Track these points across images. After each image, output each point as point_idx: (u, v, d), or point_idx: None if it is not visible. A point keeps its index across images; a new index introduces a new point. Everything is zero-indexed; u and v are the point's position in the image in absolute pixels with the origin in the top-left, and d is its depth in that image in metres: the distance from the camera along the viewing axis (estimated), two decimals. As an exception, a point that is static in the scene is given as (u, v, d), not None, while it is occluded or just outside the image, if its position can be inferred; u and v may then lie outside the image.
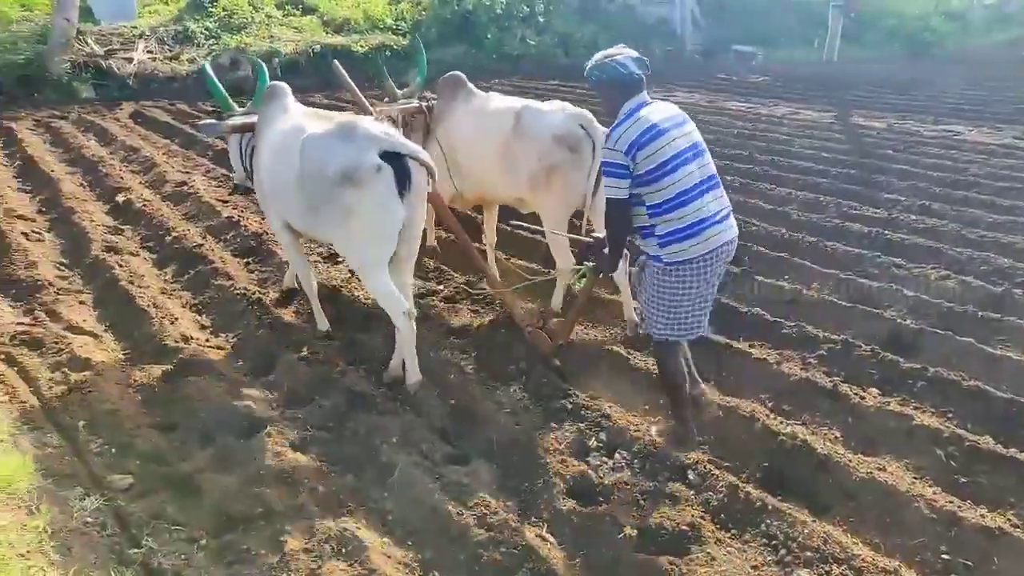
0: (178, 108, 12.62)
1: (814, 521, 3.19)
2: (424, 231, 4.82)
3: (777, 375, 4.32)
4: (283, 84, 4.81)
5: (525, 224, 4.90)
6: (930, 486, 3.46)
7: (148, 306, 5.12)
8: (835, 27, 19.04)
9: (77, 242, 6.36)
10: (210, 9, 15.70)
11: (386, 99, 5.50)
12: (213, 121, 4.89)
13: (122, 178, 8.12)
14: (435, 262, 5.94)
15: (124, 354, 4.68)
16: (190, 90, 13.65)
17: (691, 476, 3.52)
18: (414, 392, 4.20)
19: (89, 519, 3.20)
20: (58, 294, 5.35)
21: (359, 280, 4.46)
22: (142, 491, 3.41)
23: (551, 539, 3.22)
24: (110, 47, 13.99)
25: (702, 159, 3.45)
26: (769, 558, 3.07)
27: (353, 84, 4.91)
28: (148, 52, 14.26)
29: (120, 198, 7.46)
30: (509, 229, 5.71)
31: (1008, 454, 3.54)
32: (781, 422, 3.87)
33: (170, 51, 14.41)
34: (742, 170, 8.55)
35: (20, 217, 6.87)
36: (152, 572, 2.94)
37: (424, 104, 5.38)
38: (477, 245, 5.30)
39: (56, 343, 4.67)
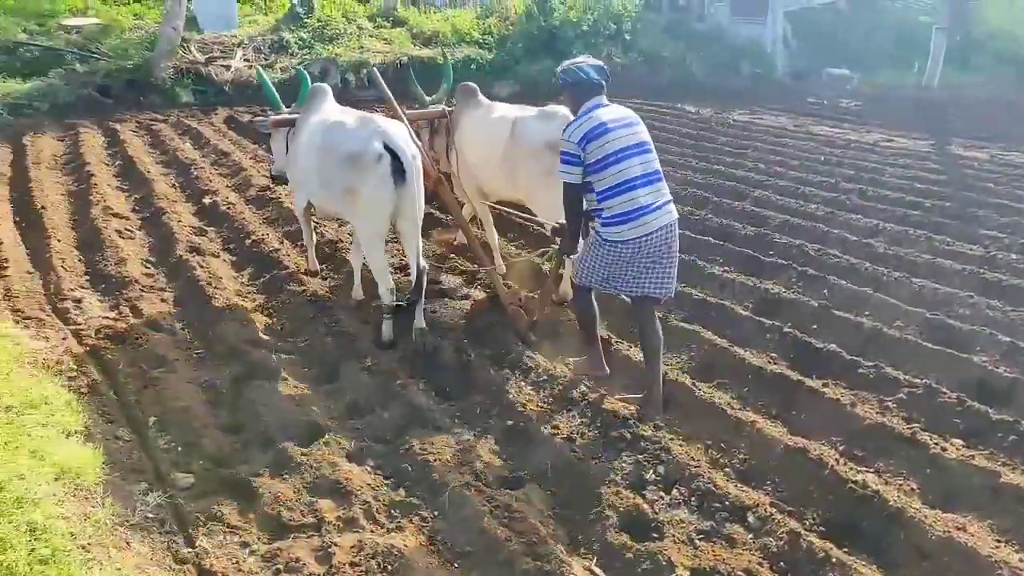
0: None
1: (881, 579, 3.01)
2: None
3: (851, 417, 4.10)
4: (324, 86, 5.59)
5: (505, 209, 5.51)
6: (1016, 551, 3.20)
7: (223, 307, 5.29)
8: (938, 50, 18.18)
9: (164, 241, 6.64)
10: (305, 20, 16.24)
11: (416, 105, 6.12)
12: (263, 117, 5.83)
13: (211, 181, 8.45)
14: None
15: (197, 353, 4.84)
16: (282, 98, 14.07)
17: (751, 519, 3.38)
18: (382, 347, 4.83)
19: (150, 514, 3.29)
20: (142, 291, 5.59)
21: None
22: (202, 491, 3.50)
23: (600, 573, 3.13)
24: (210, 55, 14.61)
25: (645, 156, 4.01)
26: (829, 614, 2.91)
27: (388, 90, 5.33)
28: (245, 60, 14.81)
29: (207, 200, 7.75)
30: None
31: (1104, 522, 3.26)
32: (852, 468, 3.67)
33: (265, 59, 14.92)
34: (826, 198, 8.24)
35: (116, 215, 7.21)
36: (203, 573, 3.00)
37: (447, 110, 5.99)
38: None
39: (137, 338, 4.86)
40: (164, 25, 14.00)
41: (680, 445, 3.92)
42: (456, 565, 3.14)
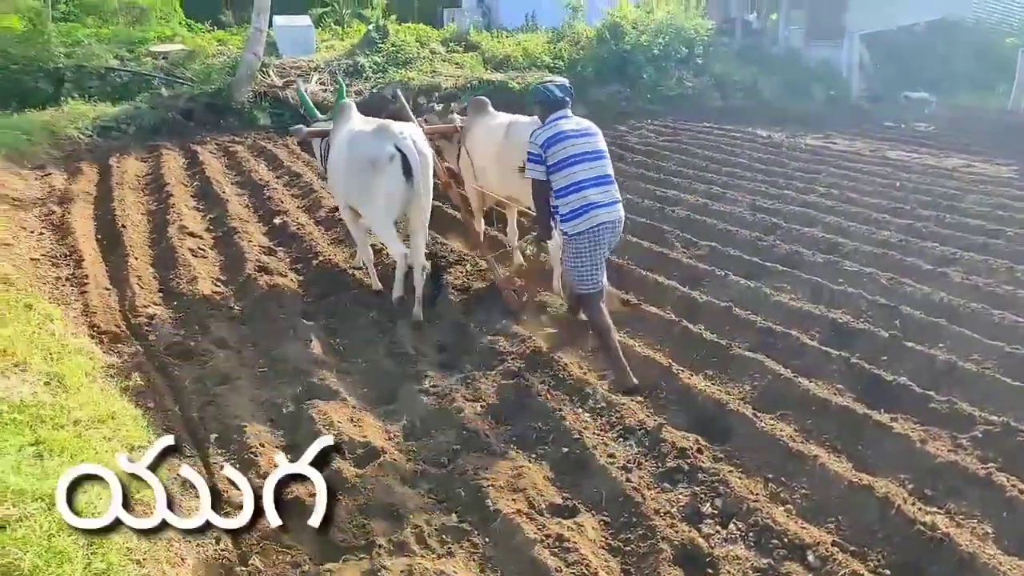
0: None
1: (950, 629, 2.85)
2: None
3: (921, 455, 3.91)
4: (350, 101, 6.44)
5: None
6: (1098, 605, 3.01)
7: (287, 327, 5.41)
8: (1023, 72, 17.46)
9: (235, 260, 6.85)
10: (380, 45, 16.66)
11: (437, 119, 7.20)
12: (300, 127, 6.78)
13: (282, 201, 8.70)
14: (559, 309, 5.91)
15: (259, 371, 4.95)
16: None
17: (811, 557, 3.25)
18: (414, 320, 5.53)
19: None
20: (211, 309, 5.77)
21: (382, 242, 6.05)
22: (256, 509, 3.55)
23: (651, 608, 3.06)
24: (288, 79, 15.11)
25: (597, 162, 4.77)
26: (893, 664, 2.77)
27: (409, 108, 6.69)
28: (320, 84, 15.26)
29: (277, 220, 7.98)
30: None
31: None
32: (920, 509, 3.49)
33: (336, 84, 15.36)
34: (900, 225, 7.93)
35: (191, 234, 7.49)
36: (254, 591, 3.05)
37: (460, 121, 6.88)
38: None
39: (203, 355, 5.02)
40: (246, 51, 14.56)
41: (739, 478, 3.81)
42: (504, 593, 3.11)
